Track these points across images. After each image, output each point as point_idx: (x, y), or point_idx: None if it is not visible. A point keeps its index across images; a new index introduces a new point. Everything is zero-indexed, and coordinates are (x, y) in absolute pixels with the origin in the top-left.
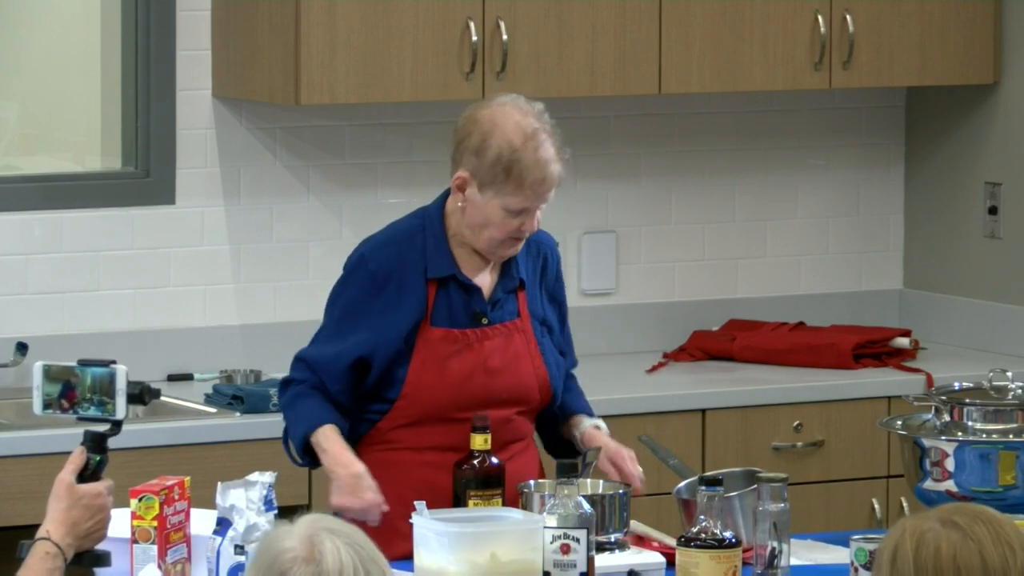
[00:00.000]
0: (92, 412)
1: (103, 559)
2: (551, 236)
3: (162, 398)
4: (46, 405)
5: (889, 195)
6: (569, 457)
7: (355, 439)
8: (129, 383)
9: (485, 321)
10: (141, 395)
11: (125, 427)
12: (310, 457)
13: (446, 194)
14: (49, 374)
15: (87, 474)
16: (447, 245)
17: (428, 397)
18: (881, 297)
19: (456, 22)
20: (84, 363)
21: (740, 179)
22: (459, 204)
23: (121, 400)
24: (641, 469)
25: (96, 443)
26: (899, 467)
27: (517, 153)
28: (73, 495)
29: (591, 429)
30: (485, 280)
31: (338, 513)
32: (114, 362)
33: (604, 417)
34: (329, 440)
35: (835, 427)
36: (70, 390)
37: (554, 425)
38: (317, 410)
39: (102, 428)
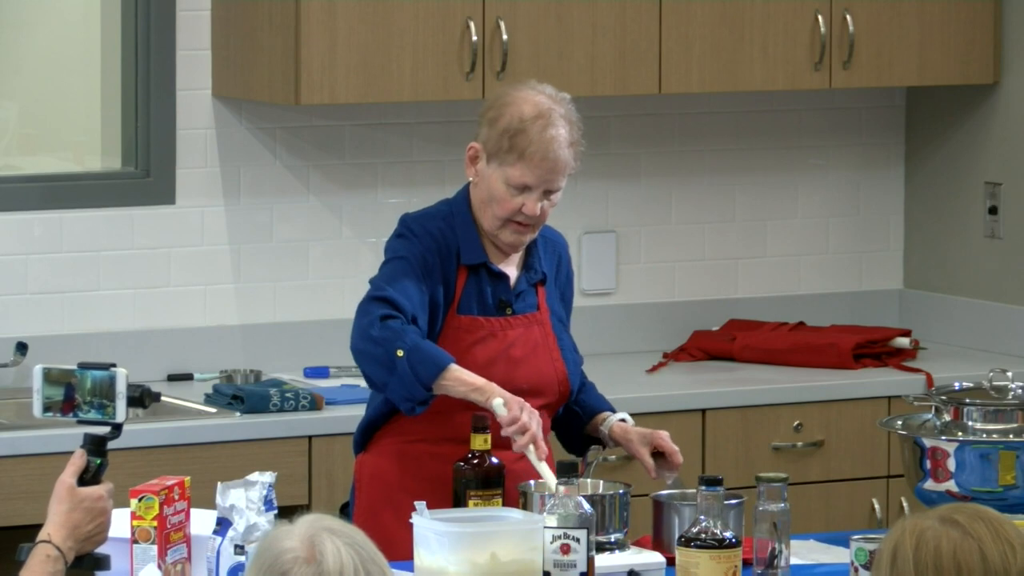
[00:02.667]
0: (92, 415)
1: (103, 562)
2: (563, 236)
3: (162, 398)
4: (46, 408)
5: (889, 195)
6: (594, 445)
7: (372, 428)
8: (129, 386)
9: (510, 311)
10: (141, 398)
11: (125, 427)
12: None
13: (467, 186)
14: (49, 377)
15: (87, 477)
16: (476, 231)
17: None
18: (881, 297)
19: (456, 22)
20: (84, 366)
21: (740, 179)
22: (471, 179)
23: (121, 403)
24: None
25: (96, 446)
26: (899, 467)
27: (524, 124)
28: (74, 498)
29: (618, 423)
30: (511, 271)
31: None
32: (114, 365)
33: None
34: (465, 372)
35: (835, 427)
36: (71, 393)
37: (575, 424)
38: (436, 347)
39: (102, 431)
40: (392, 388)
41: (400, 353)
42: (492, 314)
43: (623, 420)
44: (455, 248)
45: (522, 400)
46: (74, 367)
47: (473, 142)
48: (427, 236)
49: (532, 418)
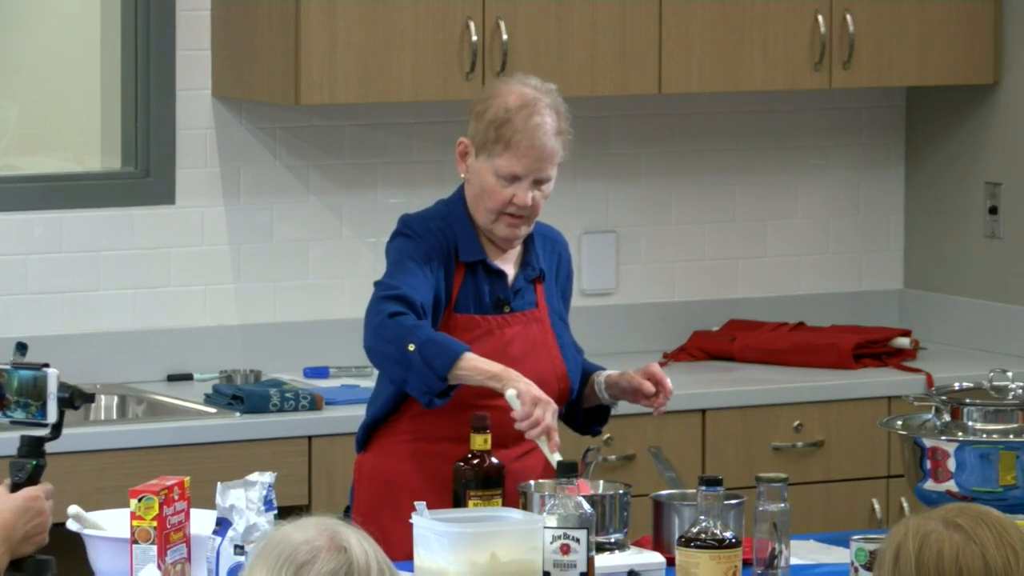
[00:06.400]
0: (19, 414)
1: (45, 566)
2: (562, 235)
3: (162, 398)
4: None
5: (889, 195)
6: (598, 425)
7: (373, 426)
8: (60, 386)
9: (508, 309)
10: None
11: (126, 427)
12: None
13: (462, 186)
14: None
15: (23, 478)
16: (474, 229)
17: None
18: (881, 297)
19: (456, 22)
20: (16, 366)
21: (740, 179)
22: (462, 175)
23: (52, 404)
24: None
25: (32, 447)
26: (899, 467)
27: (509, 114)
28: (5, 499)
29: (613, 374)
30: (509, 268)
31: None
32: (47, 365)
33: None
34: (480, 360)
35: (835, 427)
36: (0, 392)
37: (576, 403)
38: (449, 337)
39: (39, 432)
40: (410, 383)
41: (411, 348)
42: (489, 312)
43: (616, 372)
44: (454, 246)
45: (537, 392)
46: (7, 365)
47: (462, 138)
48: (429, 235)
49: (546, 411)
